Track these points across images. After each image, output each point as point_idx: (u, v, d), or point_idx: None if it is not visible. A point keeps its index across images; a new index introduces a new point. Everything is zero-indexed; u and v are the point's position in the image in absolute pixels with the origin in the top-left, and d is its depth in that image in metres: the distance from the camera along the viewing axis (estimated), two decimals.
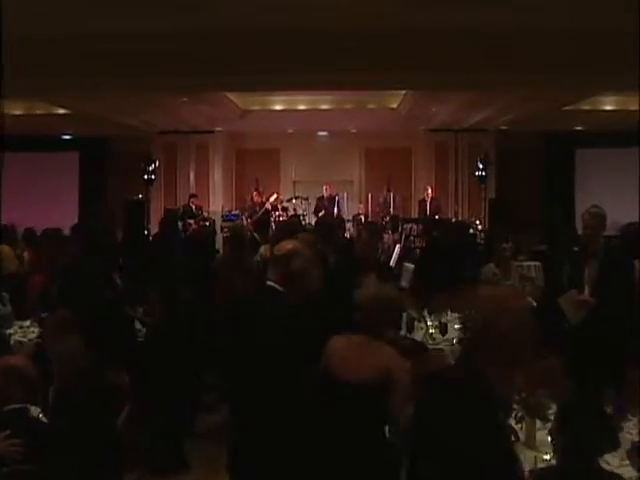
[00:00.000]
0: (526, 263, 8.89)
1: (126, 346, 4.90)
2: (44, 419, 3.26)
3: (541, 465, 2.97)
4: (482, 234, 11.67)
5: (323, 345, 3.27)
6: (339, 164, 15.28)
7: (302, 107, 13.07)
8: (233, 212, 13.96)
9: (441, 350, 5.17)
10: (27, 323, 5.78)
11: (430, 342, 5.29)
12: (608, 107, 11.66)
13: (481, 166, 14.02)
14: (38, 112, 11.79)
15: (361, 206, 14.80)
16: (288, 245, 3.52)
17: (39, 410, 3.25)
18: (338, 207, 13.67)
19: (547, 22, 5.81)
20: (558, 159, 15.16)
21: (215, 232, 12.60)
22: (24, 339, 5.48)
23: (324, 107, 13.03)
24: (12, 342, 5.40)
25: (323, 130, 15.40)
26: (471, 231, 11.41)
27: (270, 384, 3.21)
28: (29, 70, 6.99)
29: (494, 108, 11.52)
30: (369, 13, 5.65)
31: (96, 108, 11.26)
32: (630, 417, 3.49)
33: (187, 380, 5.28)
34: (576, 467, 2.48)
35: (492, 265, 6.48)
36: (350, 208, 14.44)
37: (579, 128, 14.03)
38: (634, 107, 10.21)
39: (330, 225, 6.61)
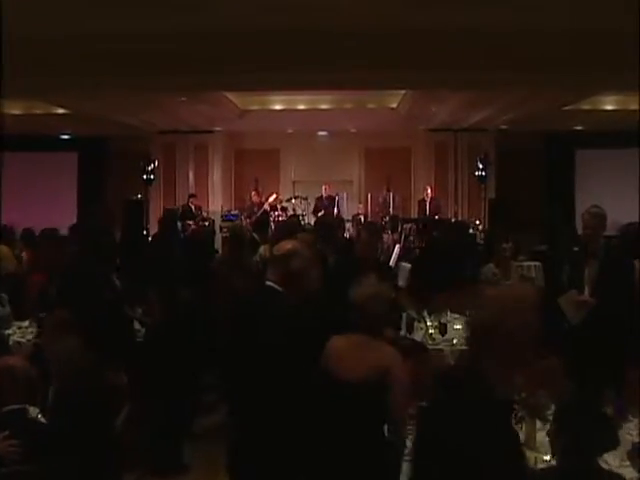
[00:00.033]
0: (526, 263, 8.91)
1: (125, 346, 4.88)
2: (43, 420, 3.26)
3: (541, 465, 2.97)
4: (482, 234, 11.65)
5: (322, 345, 3.26)
6: (339, 164, 15.25)
7: (302, 107, 13.03)
8: (232, 212, 13.93)
9: (441, 350, 5.16)
10: (26, 323, 5.76)
11: (430, 342, 5.28)
12: (608, 107, 11.65)
13: (481, 166, 13.98)
14: (37, 112, 11.79)
15: (361, 206, 14.76)
16: (287, 245, 3.52)
17: (38, 411, 3.26)
18: (337, 207, 13.62)
19: (547, 22, 5.82)
20: (558, 159, 15.14)
21: (214, 232, 12.58)
22: (23, 339, 5.48)
23: (324, 107, 12.99)
24: (11, 342, 5.39)
25: (323, 130, 15.36)
26: (471, 231, 11.38)
27: (270, 384, 3.21)
28: (29, 70, 6.98)
29: (494, 108, 11.51)
30: (369, 13, 5.66)
31: (95, 108, 11.26)
32: (631, 418, 3.48)
33: (186, 380, 5.28)
34: (576, 467, 2.48)
35: (492, 265, 6.48)
36: (350, 208, 14.40)
37: (579, 128, 14.02)
38: (634, 107, 10.21)
39: (329, 225, 6.59)
